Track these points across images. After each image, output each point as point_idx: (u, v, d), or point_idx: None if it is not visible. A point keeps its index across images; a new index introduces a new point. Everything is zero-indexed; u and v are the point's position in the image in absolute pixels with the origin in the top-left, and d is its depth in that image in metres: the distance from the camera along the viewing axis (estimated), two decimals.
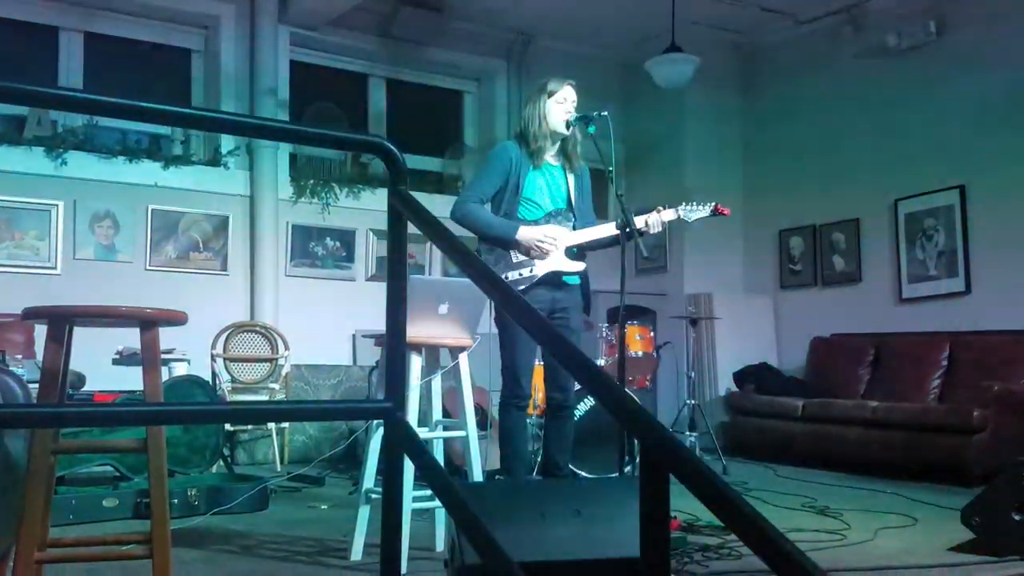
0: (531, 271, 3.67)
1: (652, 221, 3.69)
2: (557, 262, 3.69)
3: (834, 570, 3.03)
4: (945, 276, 6.36)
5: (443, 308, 3.22)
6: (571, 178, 3.82)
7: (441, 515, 3.38)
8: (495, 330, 3.73)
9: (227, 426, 5.51)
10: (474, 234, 3.75)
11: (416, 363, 3.22)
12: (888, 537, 3.64)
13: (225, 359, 5.92)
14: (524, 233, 3.65)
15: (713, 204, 3.79)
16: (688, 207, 3.76)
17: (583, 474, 4.72)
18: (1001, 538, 3.23)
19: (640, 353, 5.39)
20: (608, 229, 3.70)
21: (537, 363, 4.49)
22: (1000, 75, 6.10)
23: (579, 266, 3.76)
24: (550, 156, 3.79)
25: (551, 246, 3.65)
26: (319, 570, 3.08)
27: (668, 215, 3.73)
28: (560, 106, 3.73)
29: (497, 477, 4.33)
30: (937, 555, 3.31)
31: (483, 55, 7.72)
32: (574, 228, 3.76)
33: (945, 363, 6.03)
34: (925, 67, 6.52)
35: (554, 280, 3.70)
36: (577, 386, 3.98)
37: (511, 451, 3.66)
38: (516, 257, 3.69)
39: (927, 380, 6.02)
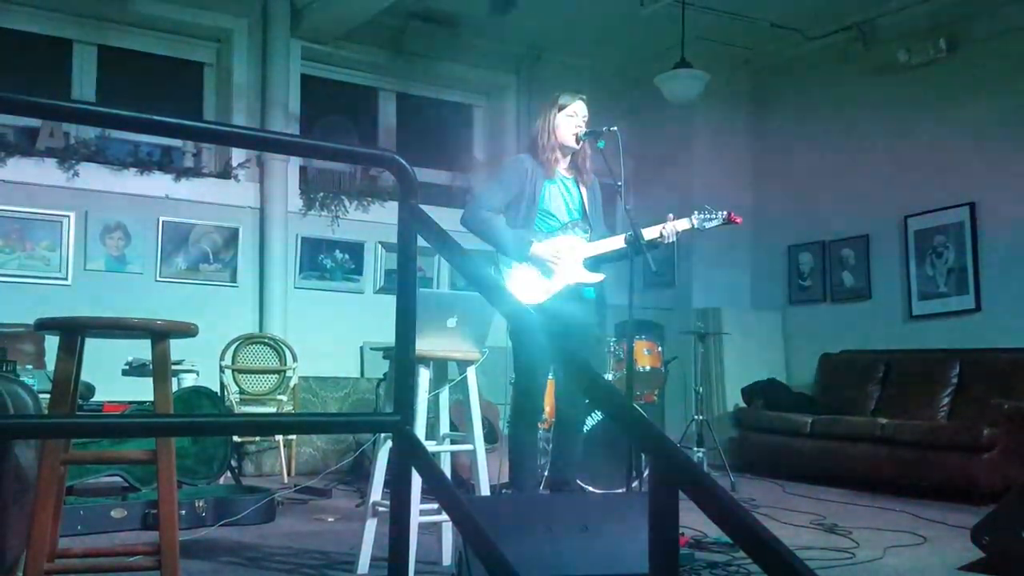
0: (552, 283, 3.67)
1: (667, 231, 3.68)
2: (576, 274, 3.69)
3: None
4: (955, 293, 6.33)
5: (451, 321, 3.22)
6: (584, 190, 3.83)
7: (448, 529, 3.37)
8: (503, 344, 3.73)
9: (235, 437, 5.51)
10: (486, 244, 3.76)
11: (424, 376, 3.22)
12: (897, 555, 3.62)
13: (233, 371, 5.93)
14: (537, 250, 3.65)
15: (726, 212, 3.79)
16: (701, 215, 3.76)
17: (591, 489, 4.70)
18: (1011, 557, 3.20)
19: (648, 368, 5.38)
20: (621, 242, 3.70)
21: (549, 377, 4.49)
22: (1011, 92, 6.09)
23: (598, 277, 3.76)
24: (563, 168, 3.81)
25: (557, 263, 3.66)
26: None
27: (682, 224, 3.73)
28: (570, 120, 3.74)
29: (504, 491, 4.32)
30: (946, 574, 3.30)
31: (493, 70, 7.75)
32: (590, 240, 3.76)
33: (955, 381, 5.99)
34: (935, 83, 6.51)
35: (573, 293, 3.70)
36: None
37: (520, 466, 3.65)
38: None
39: (936, 398, 5.99)
